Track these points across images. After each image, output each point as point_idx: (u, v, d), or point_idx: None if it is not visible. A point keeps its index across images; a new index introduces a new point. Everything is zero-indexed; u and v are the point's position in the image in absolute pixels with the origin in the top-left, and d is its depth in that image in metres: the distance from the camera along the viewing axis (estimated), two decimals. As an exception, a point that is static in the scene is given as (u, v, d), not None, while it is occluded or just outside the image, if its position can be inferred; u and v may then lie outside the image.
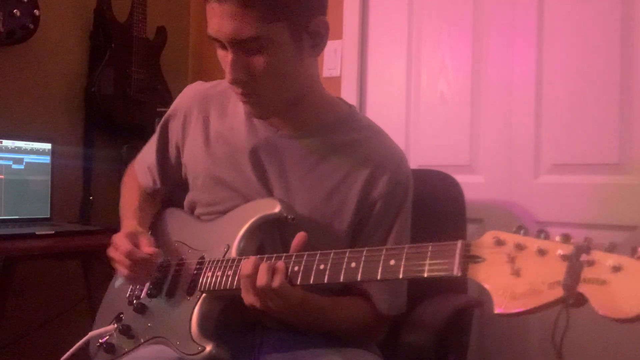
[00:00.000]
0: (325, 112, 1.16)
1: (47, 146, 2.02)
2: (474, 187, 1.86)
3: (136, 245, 1.11)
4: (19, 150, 1.94)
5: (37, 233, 1.77)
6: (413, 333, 1.16)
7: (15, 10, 1.92)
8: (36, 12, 1.98)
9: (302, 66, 1.06)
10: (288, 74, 1.05)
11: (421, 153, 2.08)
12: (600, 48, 1.77)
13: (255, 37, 0.97)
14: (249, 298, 0.97)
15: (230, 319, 1.10)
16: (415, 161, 2.07)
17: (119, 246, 1.11)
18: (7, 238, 1.67)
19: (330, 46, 2.26)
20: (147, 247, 1.11)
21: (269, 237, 1.11)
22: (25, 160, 1.96)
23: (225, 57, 1.02)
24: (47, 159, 2.02)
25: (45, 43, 2.14)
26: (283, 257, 0.98)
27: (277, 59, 1.01)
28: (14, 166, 1.93)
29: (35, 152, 1.99)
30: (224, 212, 1.16)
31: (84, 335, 1.22)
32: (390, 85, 2.17)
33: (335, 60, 2.26)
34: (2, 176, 1.90)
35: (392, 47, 2.17)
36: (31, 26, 1.98)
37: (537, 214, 1.84)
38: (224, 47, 1.02)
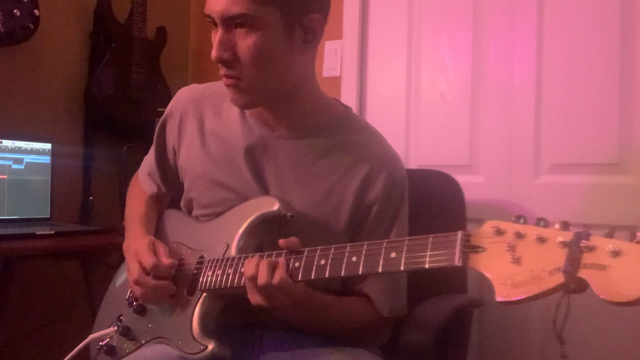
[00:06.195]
0: (321, 112, 1.16)
1: (47, 146, 2.02)
2: (474, 187, 1.86)
3: (156, 254, 1.11)
4: (19, 150, 1.94)
5: (37, 233, 1.77)
6: (413, 333, 1.16)
7: (15, 10, 1.92)
8: (36, 12, 1.98)
9: (292, 60, 1.06)
10: (275, 63, 1.04)
11: (421, 153, 2.08)
12: (600, 48, 1.76)
13: (245, 14, 0.98)
14: (255, 298, 0.98)
15: (231, 317, 1.10)
16: (415, 161, 2.06)
17: (144, 259, 1.10)
18: (7, 238, 1.67)
19: (330, 46, 2.26)
20: (165, 258, 1.10)
21: (268, 235, 1.11)
22: (25, 160, 1.96)
23: (215, 37, 1.04)
24: (47, 159, 2.02)
25: (45, 43, 2.14)
26: (284, 254, 0.98)
27: (264, 43, 1.01)
28: (14, 166, 1.93)
29: (35, 152, 1.98)
30: (222, 214, 1.16)
31: (84, 335, 1.22)
32: (390, 86, 2.17)
33: (335, 60, 2.26)
34: (2, 176, 1.90)
35: (392, 47, 2.17)
36: (31, 26, 1.99)
37: (537, 214, 1.83)
38: (216, 27, 1.03)
